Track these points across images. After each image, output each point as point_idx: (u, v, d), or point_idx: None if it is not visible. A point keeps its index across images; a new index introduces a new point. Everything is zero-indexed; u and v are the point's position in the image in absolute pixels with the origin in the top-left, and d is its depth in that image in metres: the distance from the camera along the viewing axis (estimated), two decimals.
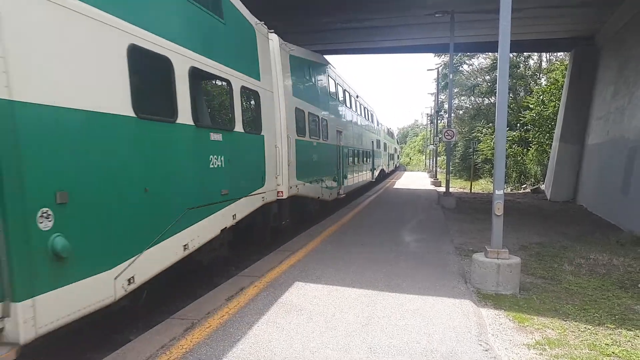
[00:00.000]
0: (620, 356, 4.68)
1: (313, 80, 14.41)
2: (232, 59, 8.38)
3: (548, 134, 27.24)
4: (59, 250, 4.12)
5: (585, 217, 15.74)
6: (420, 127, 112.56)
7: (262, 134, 9.78)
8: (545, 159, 27.01)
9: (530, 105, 29.29)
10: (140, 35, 5.50)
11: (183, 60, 6.49)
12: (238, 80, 8.51)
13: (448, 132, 18.97)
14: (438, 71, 42.49)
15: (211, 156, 7.38)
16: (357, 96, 23.74)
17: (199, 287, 7.60)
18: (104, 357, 4.63)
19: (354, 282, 7.01)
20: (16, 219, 3.82)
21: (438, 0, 15.61)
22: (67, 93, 4.38)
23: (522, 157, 30.12)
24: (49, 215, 4.09)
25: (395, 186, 30.96)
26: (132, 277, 5.23)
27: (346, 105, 20.27)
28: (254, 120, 9.55)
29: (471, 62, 43.56)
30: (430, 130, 57.58)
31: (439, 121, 43.29)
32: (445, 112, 36.03)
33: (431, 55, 47.70)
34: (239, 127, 8.47)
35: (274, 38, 10.94)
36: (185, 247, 6.45)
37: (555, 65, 31.37)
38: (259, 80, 9.74)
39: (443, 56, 41.86)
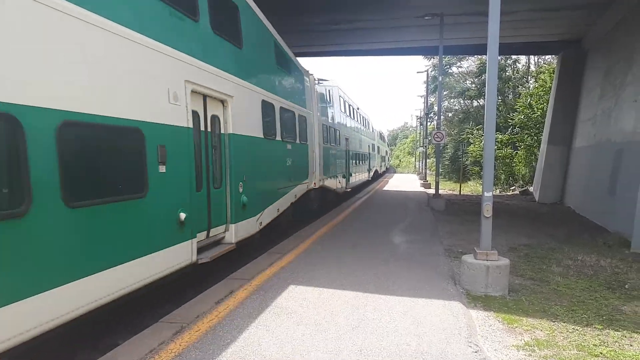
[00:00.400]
0: (608, 356, 4.72)
1: (330, 102, 19.26)
2: (295, 97, 13.11)
3: (536, 137, 27.48)
4: (244, 202, 8.71)
5: (572, 219, 15.88)
6: (410, 129, 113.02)
7: (307, 143, 14.32)
8: (534, 161, 27.23)
9: (518, 108, 29.55)
10: (264, 94, 10.13)
11: (278, 103, 11.17)
12: (297, 110, 13.16)
13: (437, 134, 19.05)
14: (427, 73, 42.68)
15: (287, 158, 11.98)
16: (358, 108, 29.13)
17: (188, 291, 7.55)
18: None
19: (344, 284, 7.01)
20: (233, 187, 8.27)
21: (427, 2, 15.66)
22: (253, 130, 9.40)
23: (510, 159, 30.35)
24: (242, 186, 8.62)
25: (385, 188, 31.03)
26: (262, 221, 9.88)
27: (350, 117, 25.32)
28: (303, 135, 13.87)
29: (460, 64, 43.82)
30: (420, 133, 57.82)
31: (428, 123, 43.52)
32: (434, 114, 36.20)
33: (421, 57, 47.70)
34: (297, 140, 13.05)
35: (311, 78, 15.49)
36: (278, 210, 11.18)
37: (543, 68, 31.66)
38: (306, 108, 14.35)
39: (432, 58, 42.07)
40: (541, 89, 28.09)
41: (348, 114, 24.27)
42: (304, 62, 18.63)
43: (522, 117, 28.60)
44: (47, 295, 4.26)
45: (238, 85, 8.64)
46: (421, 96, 51.49)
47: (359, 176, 28.53)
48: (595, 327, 5.53)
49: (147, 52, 5.79)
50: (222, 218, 8.16)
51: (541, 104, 27.19)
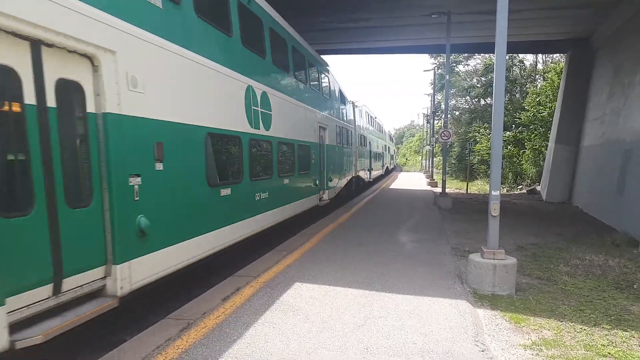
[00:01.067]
0: (616, 357, 4.69)
1: (363, 116, 27.54)
2: (346, 120, 20.04)
3: (544, 135, 27.32)
4: (331, 178, 16.62)
5: (580, 218, 15.79)
6: (417, 127, 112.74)
7: (352, 147, 21.31)
8: (541, 160, 27.08)
9: (526, 107, 29.39)
10: (338, 123, 18.14)
11: (337, 124, 17.67)
12: (349, 128, 21.02)
13: (444, 132, 18.98)
14: (434, 72, 42.54)
15: (344, 157, 18.68)
16: (376, 117, 37.25)
17: (195, 287, 7.58)
18: (98, 357, 4.60)
19: (350, 283, 7.00)
20: (326, 172, 15.87)
21: (434, 1, 15.61)
22: (335, 141, 16.93)
23: (518, 158, 30.20)
24: (330, 170, 16.49)
25: (391, 186, 30.98)
26: (334, 187, 16.87)
27: (371, 125, 32.91)
28: (350, 140, 21.28)
29: (467, 63, 43.64)
30: (427, 131, 57.64)
31: (435, 122, 43.36)
32: (441, 112, 36.05)
33: (427, 55, 47.55)
34: (349, 144, 20.34)
35: (354, 104, 23.89)
36: (340, 186, 18.21)
37: (551, 66, 31.48)
38: (353, 126, 22.49)
39: (439, 57, 41.92)
40: (549, 87, 27.92)
41: (370, 123, 32.38)
42: None
43: (530, 115, 28.44)
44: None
45: (330, 119, 16.01)
46: (428, 94, 51.39)
47: (377, 171, 36.86)
48: (603, 327, 5.50)
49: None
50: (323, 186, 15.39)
51: (549, 102, 27.03)
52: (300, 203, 12.57)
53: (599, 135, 17.07)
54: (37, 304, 4.30)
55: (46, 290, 4.41)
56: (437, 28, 18.26)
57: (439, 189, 23.33)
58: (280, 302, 6.04)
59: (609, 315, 5.94)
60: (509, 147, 30.23)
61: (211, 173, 7.33)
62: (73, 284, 4.71)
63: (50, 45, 4.45)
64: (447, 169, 26.90)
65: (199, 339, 4.82)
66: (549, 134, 24.65)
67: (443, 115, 24.44)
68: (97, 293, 5.12)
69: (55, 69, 4.53)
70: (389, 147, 52.11)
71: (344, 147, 19.36)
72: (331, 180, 16.37)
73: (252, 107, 8.93)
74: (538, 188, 25.76)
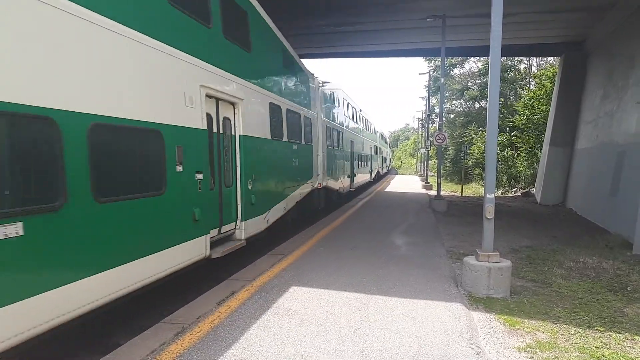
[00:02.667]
0: (609, 359, 4.71)
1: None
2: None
3: (538, 138, 27.45)
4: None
5: (574, 221, 15.86)
6: (412, 130, 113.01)
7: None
8: (536, 162, 27.20)
9: (518, 110, 29.55)
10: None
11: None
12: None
13: (439, 135, 19.05)
14: (429, 75, 42.65)
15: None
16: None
17: (189, 292, 7.55)
18: None
19: (345, 286, 7.00)
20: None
21: (430, 4, 15.68)
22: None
23: (512, 161, 30.33)
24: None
25: (386, 189, 31.02)
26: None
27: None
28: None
29: (462, 66, 43.79)
30: (422, 134, 57.78)
31: (430, 125, 43.47)
32: (436, 115, 36.19)
33: (423, 58, 47.66)
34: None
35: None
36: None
37: (545, 69, 31.64)
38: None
39: (434, 60, 42.04)
40: (542, 91, 28.07)
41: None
42: (308, 63, 18.71)
43: (524, 117, 28.58)
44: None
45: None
46: (423, 98, 51.55)
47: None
48: (597, 329, 5.52)
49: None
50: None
51: (542, 105, 27.17)
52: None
53: (593, 138, 17.16)
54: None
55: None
56: (433, 31, 18.34)
57: (434, 192, 23.37)
58: (275, 306, 6.03)
59: (602, 317, 5.96)
60: (503, 149, 30.36)
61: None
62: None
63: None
64: (442, 171, 27.02)
65: (194, 344, 4.81)
66: (543, 136, 24.77)
67: (438, 119, 24.44)
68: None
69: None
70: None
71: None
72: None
73: None
74: (532, 191, 25.85)
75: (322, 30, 18.88)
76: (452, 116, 46.59)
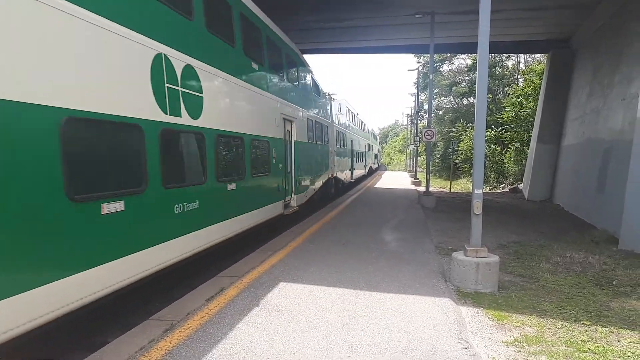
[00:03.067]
0: (596, 352, 4.77)
1: (342, 112, 26.41)
2: (321, 114, 18.15)
3: (526, 135, 27.66)
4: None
5: (561, 216, 16.03)
6: (401, 127, 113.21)
7: (328, 144, 19.69)
8: (523, 159, 27.42)
9: (507, 107, 29.75)
10: (309, 116, 15.73)
11: (314, 118, 16.30)
12: (325, 123, 18.99)
13: (428, 132, 19.11)
14: (418, 71, 42.77)
15: (318, 156, 17.17)
16: (357, 114, 35.46)
17: (178, 289, 7.51)
18: (81, 359, 4.55)
19: (335, 282, 7.01)
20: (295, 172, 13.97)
21: (418, 1, 15.70)
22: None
23: (500, 157, 30.54)
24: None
25: (376, 185, 31.08)
26: (307, 195, 15.32)
27: (352, 122, 31.13)
28: (326, 137, 19.23)
29: (452, 62, 43.98)
30: (411, 130, 57.96)
31: (419, 121, 43.64)
32: (425, 112, 36.31)
33: (412, 55, 47.80)
34: (324, 141, 18.66)
35: (328, 97, 21.42)
36: (314, 190, 16.54)
37: (533, 66, 31.87)
38: (329, 121, 20.46)
39: (423, 57, 42.16)
40: (530, 88, 28.28)
41: (351, 120, 30.51)
42: None
43: (512, 114, 28.79)
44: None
45: (297, 111, 13.92)
46: (412, 94, 51.69)
47: (359, 171, 35.23)
48: (583, 323, 5.59)
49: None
50: (290, 191, 13.34)
51: (530, 102, 27.38)
52: (256, 213, 10.14)
53: (580, 135, 17.33)
54: (284, 202, 12.42)
55: (284, 200, 12.44)
56: (421, 28, 18.35)
57: (422, 188, 23.48)
58: (264, 302, 6.02)
59: (589, 311, 6.04)
60: (491, 146, 30.56)
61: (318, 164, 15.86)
62: (286, 199, 12.65)
63: (289, 120, 12.82)
64: (431, 168, 27.12)
65: (183, 340, 4.79)
66: (531, 133, 24.97)
67: (427, 115, 24.57)
68: (289, 205, 13.06)
69: (287, 126, 12.55)
70: (372, 146, 50.34)
71: (318, 145, 17.10)
72: (301, 183, 13.97)
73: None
74: (520, 187, 26.07)
75: (309, 26, 18.81)
76: (440, 112, 46.80)
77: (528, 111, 27.39)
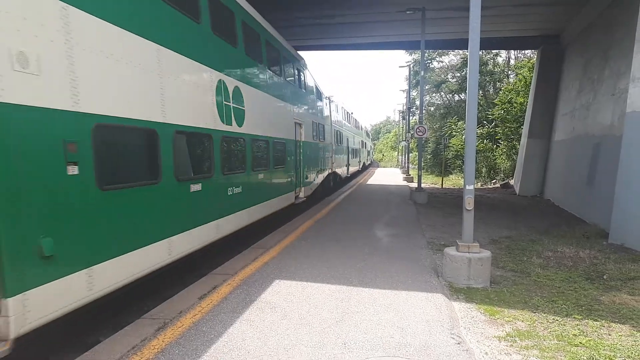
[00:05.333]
0: (587, 346, 4.81)
1: (339, 112, 27.88)
2: (322, 116, 20.15)
3: (517, 130, 27.81)
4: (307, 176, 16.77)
5: (552, 211, 16.14)
6: (393, 123, 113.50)
7: (327, 142, 21.38)
8: (514, 154, 27.57)
9: (497, 103, 29.89)
10: (314, 119, 18.11)
11: (317, 120, 18.51)
12: (326, 124, 21.06)
13: (420, 128, 19.16)
14: (410, 68, 42.82)
15: (320, 153, 19.21)
16: (352, 113, 37.37)
17: (170, 287, 7.48)
18: (73, 358, 4.52)
19: (328, 278, 7.02)
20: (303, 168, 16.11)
21: None
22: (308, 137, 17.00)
23: (491, 153, 30.68)
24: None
25: (368, 182, 31.11)
26: (312, 188, 17.60)
27: (348, 121, 33.37)
28: (326, 136, 21.15)
29: (441, 59, 44.09)
30: (402, 127, 58.08)
31: (410, 118, 43.72)
32: (417, 108, 36.42)
33: (403, 51, 47.90)
34: (325, 140, 20.66)
35: (326, 100, 22.17)
36: (317, 183, 18.83)
37: (523, 62, 32.02)
38: (329, 122, 22.55)
39: (414, 53, 42.20)
40: (521, 83, 28.41)
41: (346, 119, 32.71)
42: None
43: (502, 111, 28.93)
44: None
45: (305, 116, 16.01)
46: (403, 90, 51.71)
47: (354, 167, 37.45)
48: (574, 318, 5.63)
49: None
50: (299, 183, 15.14)
51: (521, 97, 27.52)
52: (277, 200, 12.46)
53: (570, 130, 17.45)
54: (295, 193, 14.66)
55: (295, 192, 14.65)
56: (412, 24, 18.39)
57: (414, 184, 23.54)
58: (258, 300, 6.01)
59: (580, 305, 6.09)
60: (483, 142, 30.69)
61: (313, 161, 17.33)
62: (296, 191, 14.81)
63: (299, 123, 14.81)
64: (423, 164, 27.23)
65: (175, 339, 4.77)
66: (522, 128, 25.10)
67: (418, 111, 24.66)
68: (298, 196, 15.15)
69: (297, 128, 14.51)
70: (365, 143, 52.74)
71: (320, 144, 19.27)
72: (307, 177, 16.42)
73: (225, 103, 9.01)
74: (511, 182, 26.23)
75: (300, 22, 18.76)
76: (432, 109, 46.90)
77: (518, 107, 27.53)
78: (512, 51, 36.76)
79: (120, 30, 5.53)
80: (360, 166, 44.94)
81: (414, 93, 46.83)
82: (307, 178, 16.29)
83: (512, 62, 38.10)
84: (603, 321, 5.53)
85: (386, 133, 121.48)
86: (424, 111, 24.64)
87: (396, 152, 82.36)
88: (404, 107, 51.27)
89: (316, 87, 18.95)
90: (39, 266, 4.31)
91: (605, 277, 7.48)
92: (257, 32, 10.97)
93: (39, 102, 4.27)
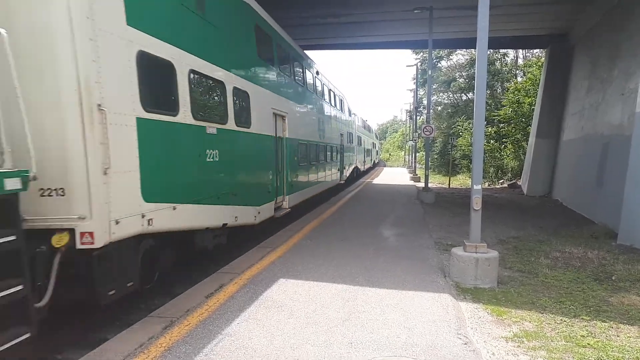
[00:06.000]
0: (595, 347, 4.77)
1: (358, 121, 34.48)
2: (351, 127, 28.67)
3: (524, 130, 27.67)
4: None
5: (560, 211, 16.04)
6: (400, 123, 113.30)
7: (354, 145, 29.65)
8: (522, 154, 27.43)
9: (504, 103, 29.74)
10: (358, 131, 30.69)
11: (348, 131, 26.93)
12: (353, 132, 29.75)
13: (427, 127, 19.11)
14: (417, 67, 42.71)
15: (351, 152, 29.30)
16: (366, 120, 45.46)
17: (177, 286, 7.51)
18: (81, 356, 4.54)
19: (334, 278, 7.01)
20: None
21: None
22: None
23: (499, 153, 30.54)
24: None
25: (374, 181, 31.08)
26: (347, 171, 27.79)
27: (364, 127, 40.43)
28: (353, 141, 29.25)
29: (450, 58, 43.91)
30: (410, 126, 57.95)
31: (418, 117, 43.62)
32: (424, 108, 36.35)
33: (410, 51, 47.76)
34: (352, 143, 29.40)
35: (353, 114, 30.48)
36: (352, 169, 30.13)
37: (532, 61, 31.84)
38: (354, 130, 30.25)
39: (421, 53, 42.07)
40: (529, 82, 28.25)
41: (363, 126, 40.30)
42: None
43: (510, 111, 28.79)
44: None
45: (345, 127, 24.70)
46: (411, 90, 51.62)
47: (367, 165, 44.47)
48: (582, 318, 5.60)
49: None
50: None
51: (529, 97, 27.37)
52: (329, 181, 20.33)
53: (578, 130, 17.33)
54: (339, 177, 24.41)
55: (340, 178, 24.46)
56: (419, 23, 18.33)
57: (421, 184, 23.46)
58: (264, 299, 6.02)
59: (588, 306, 6.05)
60: (490, 141, 30.56)
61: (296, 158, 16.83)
62: (340, 178, 24.40)
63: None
64: (430, 163, 27.23)
65: (182, 337, 4.79)
66: (530, 128, 24.96)
67: (425, 111, 24.70)
68: (341, 179, 24.47)
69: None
70: (374, 144, 59.15)
71: (350, 145, 27.99)
72: (345, 168, 25.46)
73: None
74: (519, 182, 26.09)
75: (306, 22, 18.74)
76: (439, 108, 46.74)
77: (527, 106, 27.38)
78: (521, 50, 36.56)
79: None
80: (372, 164, 52.75)
81: (421, 92, 46.70)
82: (345, 169, 25.60)
83: (519, 61, 37.90)
84: (611, 322, 5.49)
85: (393, 132, 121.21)
86: (431, 110, 24.60)
87: (403, 152, 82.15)
88: (411, 107, 51.18)
89: (348, 107, 26.43)
90: (290, 187, 12.84)
91: (613, 278, 7.42)
92: (337, 95, 21.75)
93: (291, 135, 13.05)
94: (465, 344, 4.69)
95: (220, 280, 6.82)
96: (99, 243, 4.91)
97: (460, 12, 17.22)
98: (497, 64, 37.34)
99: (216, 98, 8.37)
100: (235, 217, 8.84)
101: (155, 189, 5.98)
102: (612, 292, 6.68)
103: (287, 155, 12.71)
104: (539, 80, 24.70)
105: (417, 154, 45.70)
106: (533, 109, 24.94)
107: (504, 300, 6.24)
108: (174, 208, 6.48)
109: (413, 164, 44.76)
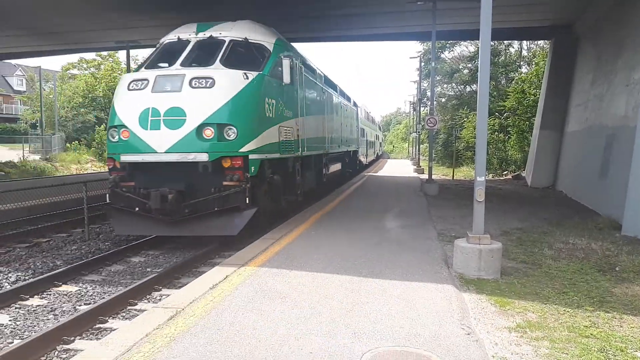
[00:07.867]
0: (598, 337, 4.79)
1: (362, 114, 34.37)
2: (357, 117, 29.78)
3: (528, 122, 27.56)
4: None
5: (564, 203, 16.01)
6: (403, 115, 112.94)
7: (358, 137, 31.15)
8: (526, 145, 27.34)
9: (510, 94, 29.61)
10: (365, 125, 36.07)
11: (357, 125, 30.24)
12: (360, 125, 31.41)
13: (430, 119, 19.05)
14: (420, 59, 42.50)
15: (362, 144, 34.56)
16: (370, 112, 46.53)
17: (182, 277, 7.57)
18: (85, 346, 4.59)
19: (338, 269, 7.04)
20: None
21: None
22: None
23: (503, 144, 30.45)
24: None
25: (378, 173, 31.12)
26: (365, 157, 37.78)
27: (367, 119, 41.03)
28: (359, 133, 30.82)
29: (453, 49, 43.64)
30: (413, 118, 57.82)
31: (421, 109, 43.49)
32: (427, 99, 36.29)
33: (414, 42, 47.52)
34: (359, 135, 31.28)
35: (359, 108, 31.89)
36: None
37: (536, 52, 31.66)
38: (359, 121, 31.06)
39: (425, 44, 41.84)
40: (534, 73, 28.10)
41: (367, 118, 40.87)
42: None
43: (514, 102, 28.66)
44: None
45: (359, 124, 31.20)
46: (414, 82, 51.38)
47: (370, 157, 44.70)
48: (586, 309, 5.61)
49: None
50: None
51: (534, 89, 27.23)
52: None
53: (583, 121, 17.26)
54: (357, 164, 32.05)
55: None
56: (423, 15, 18.15)
57: (425, 176, 23.44)
58: (268, 289, 6.05)
59: (591, 297, 6.05)
60: (494, 133, 30.46)
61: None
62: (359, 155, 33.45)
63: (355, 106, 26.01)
64: (434, 155, 27.27)
65: (187, 327, 4.82)
66: (534, 120, 24.86)
67: (429, 103, 24.61)
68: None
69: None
70: (378, 135, 58.97)
71: (360, 138, 31.26)
72: (362, 155, 32.45)
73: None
74: (523, 174, 26.03)
75: (308, 14, 18.54)
76: (443, 100, 46.54)
77: (532, 97, 27.25)
78: (525, 42, 36.31)
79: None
80: (375, 156, 52.66)
81: (424, 84, 46.50)
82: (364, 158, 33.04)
83: (524, 53, 37.67)
84: (615, 313, 5.50)
85: (396, 124, 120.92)
86: (434, 102, 24.53)
87: (406, 144, 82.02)
88: (415, 98, 51.01)
89: (354, 102, 28.33)
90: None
91: (617, 269, 7.42)
92: (354, 108, 27.38)
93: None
94: (469, 334, 4.71)
95: (224, 272, 6.85)
96: None
97: (463, 4, 16.99)
98: (502, 54, 37.11)
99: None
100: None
101: None
102: (616, 283, 6.69)
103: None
104: (543, 71, 24.57)
105: (421, 146, 45.60)
106: (537, 101, 24.82)
107: (507, 291, 6.26)
108: None
109: (417, 156, 44.68)
